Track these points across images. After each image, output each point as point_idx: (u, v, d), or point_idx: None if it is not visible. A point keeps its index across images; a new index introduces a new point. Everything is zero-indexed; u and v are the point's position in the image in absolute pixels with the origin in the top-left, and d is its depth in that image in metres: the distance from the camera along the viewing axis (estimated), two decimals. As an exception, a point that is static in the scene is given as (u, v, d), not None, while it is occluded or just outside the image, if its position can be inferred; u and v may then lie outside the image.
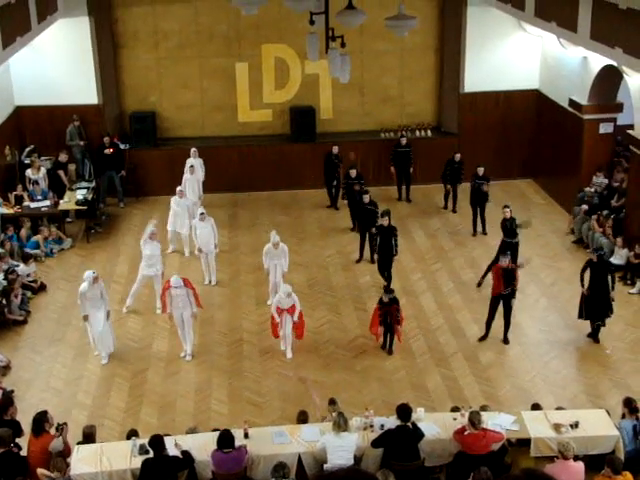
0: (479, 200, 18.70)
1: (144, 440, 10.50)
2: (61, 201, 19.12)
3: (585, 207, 18.10)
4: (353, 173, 18.93)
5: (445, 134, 22.03)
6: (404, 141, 20.54)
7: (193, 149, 19.69)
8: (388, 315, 14.09)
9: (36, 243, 17.84)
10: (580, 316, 14.55)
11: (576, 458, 10.05)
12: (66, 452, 10.70)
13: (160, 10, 21.14)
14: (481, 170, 18.59)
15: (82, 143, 20.63)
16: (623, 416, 11.32)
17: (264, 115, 22.03)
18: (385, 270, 16.39)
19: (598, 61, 17.53)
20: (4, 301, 15.19)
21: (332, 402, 11.34)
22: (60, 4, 19.90)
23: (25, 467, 10.51)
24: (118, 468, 10.30)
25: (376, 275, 16.86)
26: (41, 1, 18.37)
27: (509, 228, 16.23)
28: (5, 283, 15.50)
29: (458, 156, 19.96)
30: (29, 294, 16.10)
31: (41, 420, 10.79)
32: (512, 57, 21.25)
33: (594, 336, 14.56)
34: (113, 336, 14.36)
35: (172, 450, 10.29)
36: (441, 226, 19.52)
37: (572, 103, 19.13)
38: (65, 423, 10.99)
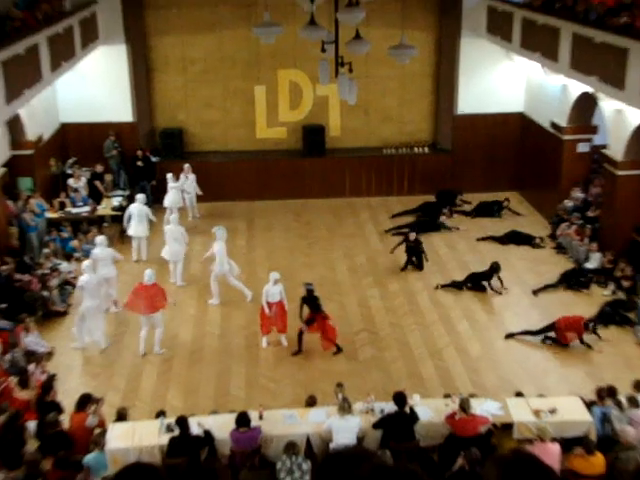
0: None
1: (171, 420, 10.55)
2: (99, 207, 19.22)
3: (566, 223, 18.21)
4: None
5: (440, 151, 22.02)
6: (412, 236, 17.52)
7: (186, 165, 19.67)
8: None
9: (73, 248, 17.89)
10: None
11: (553, 440, 10.07)
12: (100, 424, 10.85)
13: (188, 39, 21.24)
14: (412, 235, 17.43)
15: (115, 152, 20.68)
16: (594, 403, 11.37)
17: (279, 132, 22.09)
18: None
19: (576, 88, 17.52)
20: (47, 294, 15.29)
21: (339, 385, 11.38)
22: (101, 33, 20.09)
23: (68, 442, 10.66)
24: (148, 444, 10.35)
25: (377, 276, 16.91)
26: (84, 30, 18.67)
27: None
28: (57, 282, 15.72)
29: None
30: (70, 289, 16.17)
31: (86, 400, 11.01)
32: (500, 83, 21.26)
33: None
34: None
35: (195, 429, 10.34)
36: (435, 234, 19.46)
37: (553, 125, 19.14)
38: (102, 398, 11.17)
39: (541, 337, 14.36)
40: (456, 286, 16.37)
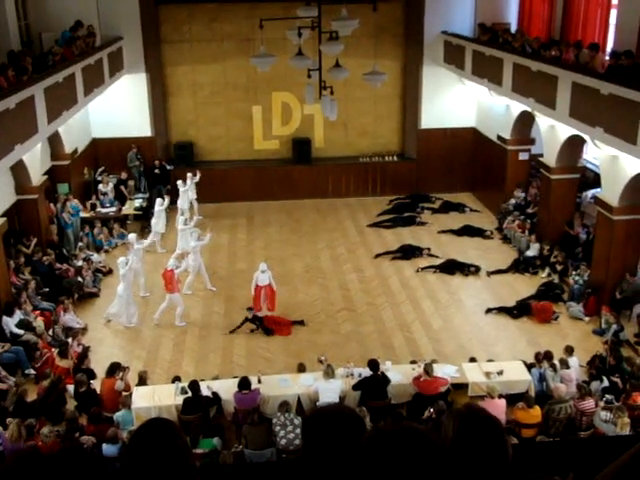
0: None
1: (185, 384, 10.55)
2: (123, 208, 19.11)
3: (510, 218, 18.21)
4: None
5: (407, 159, 21.98)
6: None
7: (189, 174, 19.23)
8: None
9: (100, 242, 17.77)
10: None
11: (500, 396, 10.14)
12: (126, 388, 10.85)
13: (198, 68, 21.09)
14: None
15: (138, 164, 20.56)
16: (533, 365, 11.46)
17: (273, 144, 21.97)
18: None
19: (517, 107, 17.56)
20: (81, 280, 15.20)
21: (320, 361, 11.42)
22: (125, 64, 19.97)
23: (98, 400, 10.66)
24: (166, 404, 10.36)
25: (356, 262, 16.89)
26: (112, 62, 18.65)
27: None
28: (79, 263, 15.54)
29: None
30: (100, 276, 16.08)
31: (115, 368, 11.03)
32: (455, 103, 21.24)
33: None
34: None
35: (205, 391, 10.34)
36: (404, 229, 19.37)
37: (499, 137, 19.16)
38: (128, 367, 11.15)
39: (511, 311, 14.36)
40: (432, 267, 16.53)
